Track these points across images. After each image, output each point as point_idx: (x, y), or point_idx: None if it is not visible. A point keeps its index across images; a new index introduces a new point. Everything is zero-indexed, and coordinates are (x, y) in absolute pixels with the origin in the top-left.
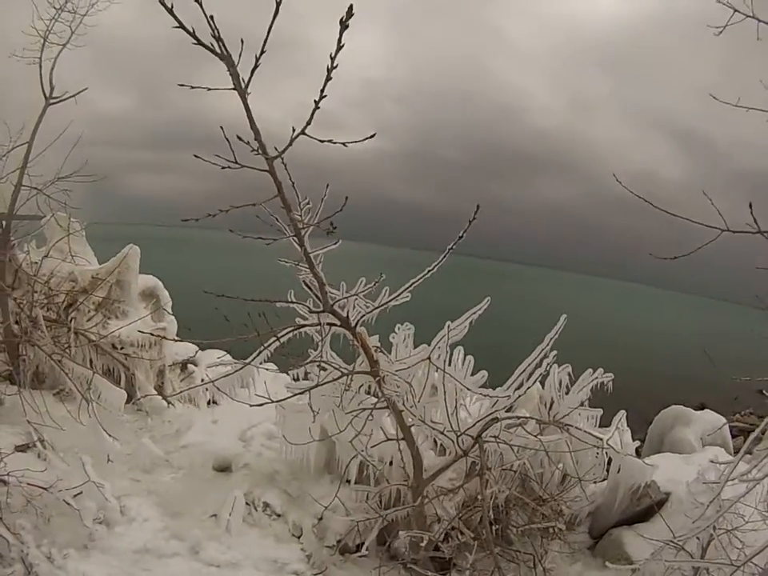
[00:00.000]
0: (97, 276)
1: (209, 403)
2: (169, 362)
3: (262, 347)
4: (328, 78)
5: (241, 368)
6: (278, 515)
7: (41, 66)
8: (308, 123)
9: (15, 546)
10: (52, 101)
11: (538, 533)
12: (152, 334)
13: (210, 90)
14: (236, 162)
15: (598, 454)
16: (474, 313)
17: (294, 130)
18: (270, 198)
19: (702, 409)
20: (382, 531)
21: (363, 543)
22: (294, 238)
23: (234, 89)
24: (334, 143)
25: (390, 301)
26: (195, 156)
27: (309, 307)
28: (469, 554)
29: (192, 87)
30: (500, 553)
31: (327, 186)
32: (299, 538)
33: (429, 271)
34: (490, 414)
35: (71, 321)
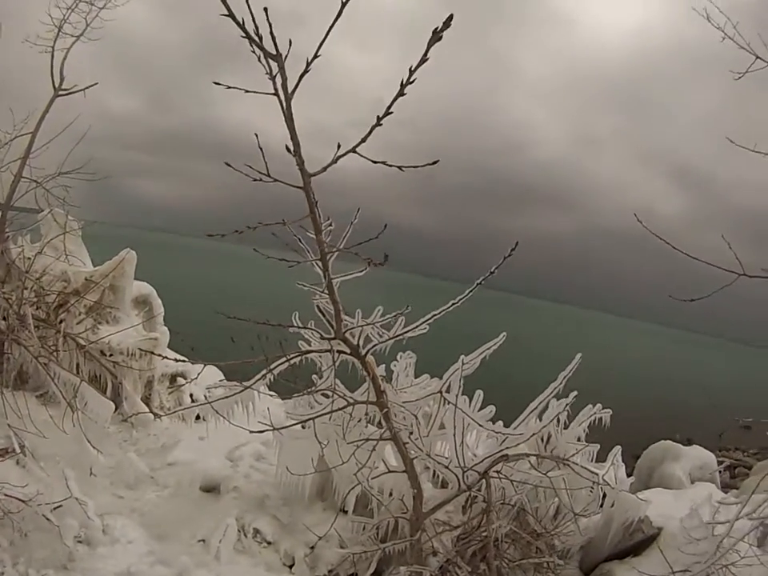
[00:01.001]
0: (90, 278)
1: (197, 418)
2: (158, 374)
3: (266, 371)
4: (400, 94)
5: (241, 391)
6: (269, 543)
7: (53, 56)
8: (362, 141)
9: None
10: (61, 92)
11: (531, 567)
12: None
13: (248, 92)
14: (268, 176)
15: (592, 489)
16: (489, 348)
17: (339, 147)
18: (302, 218)
19: (690, 444)
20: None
21: (356, 574)
22: (318, 262)
23: (274, 93)
24: (389, 165)
25: (407, 332)
26: (226, 164)
27: (321, 333)
28: None
29: (228, 87)
30: None
31: (358, 210)
32: (290, 567)
33: (453, 304)
34: (500, 451)
35: (61, 323)
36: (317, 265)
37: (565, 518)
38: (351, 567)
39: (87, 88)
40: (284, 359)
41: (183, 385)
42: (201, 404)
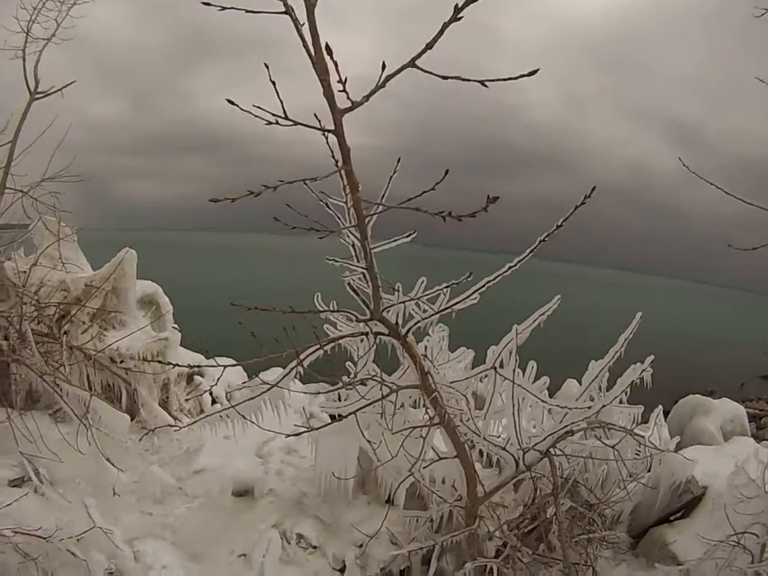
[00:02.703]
0: (91, 284)
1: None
2: (174, 375)
3: (295, 362)
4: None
5: (267, 390)
6: (315, 547)
7: (24, 60)
8: (419, 54)
9: None
10: (37, 95)
11: (584, 540)
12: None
13: (249, 12)
14: (285, 117)
15: (639, 452)
16: (543, 314)
17: (384, 66)
18: (333, 172)
19: (713, 397)
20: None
21: (409, 568)
22: (351, 230)
23: (284, 12)
24: (464, 80)
25: (456, 303)
26: (229, 101)
27: (356, 315)
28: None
29: (222, 8)
30: (549, 563)
31: (399, 159)
32: (341, 571)
33: (510, 267)
34: (564, 427)
35: (64, 335)
36: (350, 233)
37: (614, 485)
38: (404, 562)
39: (64, 87)
40: (314, 348)
41: (202, 388)
42: (224, 409)
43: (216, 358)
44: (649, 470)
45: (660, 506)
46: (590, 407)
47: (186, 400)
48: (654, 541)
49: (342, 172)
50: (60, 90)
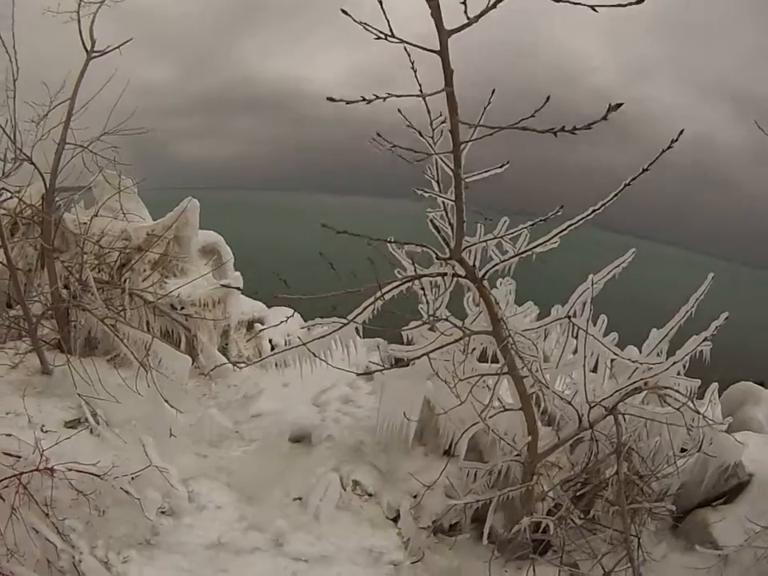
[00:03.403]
0: (152, 233)
1: (277, 365)
2: (234, 322)
3: (373, 299)
4: None
5: (342, 326)
6: (370, 495)
7: (79, 22)
8: None
9: (65, 551)
10: (94, 54)
11: (629, 512)
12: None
13: None
14: (392, 35)
15: (691, 428)
16: (618, 266)
17: None
18: (437, 91)
19: (762, 385)
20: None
21: (459, 523)
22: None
23: None
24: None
25: (535, 246)
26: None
27: (436, 253)
28: (569, 534)
29: None
30: (596, 529)
31: (493, 91)
32: (394, 520)
33: (594, 211)
34: (633, 383)
35: (125, 282)
36: (441, 160)
37: (664, 460)
38: (456, 516)
39: (121, 45)
40: (395, 284)
41: (260, 332)
42: (296, 346)
43: (275, 307)
44: (699, 450)
45: (705, 488)
46: (659, 363)
47: (247, 340)
48: (697, 523)
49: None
50: (117, 47)
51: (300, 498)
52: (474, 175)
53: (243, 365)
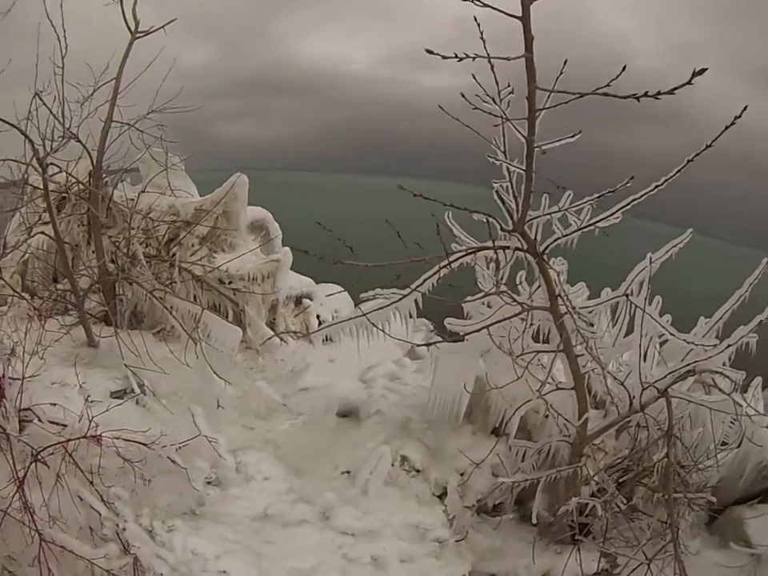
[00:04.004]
0: (201, 208)
1: (324, 340)
2: (283, 297)
3: (436, 268)
4: None
5: (404, 297)
6: (417, 471)
7: (122, 3)
8: None
9: (109, 519)
10: (138, 34)
11: (665, 502)
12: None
13: None
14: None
15: (734, 421)
16: (676, 245)
17: None
18: (519, 56)
19: None
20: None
21: (501, 503)
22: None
23: None
24: None
25: (598, 221)
26: None
27: (501, 224)
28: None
29: None
30: (633, 519)
31: (566, 61)
32: (440, 497)
33: (656, 186)
34: (687, 365)
35: (173, 256)
36: (513, 127)
37: (705, 454)
38: (501, 496)
39: (166, 25)
40: (462, 253)
41: (308, 307)
42: (356, 316)
43: (322, 284)
44: (739, 445)
45: (743, 485)
46: (714, 346)
47: (295, 315)
48: (732, 520)
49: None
50: (162, 27)
51: (348, 472)
52: (547, 143)
53: (300, 335)
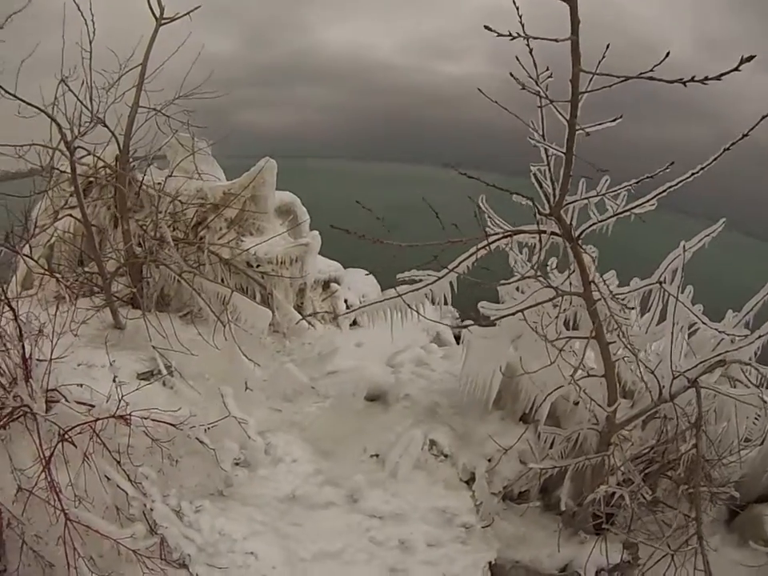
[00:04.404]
0: (229, 191)
1: (352, 324)
2: (311, 281)
3: (473, 250)
4: None
5: (438, 279)
6: (446, 456)
7: None
8: None
9: (136, 499)
10: (164, 21)
11: (689, 495)
12: None
13: None
14: None
15: (759, 417)
16: (708, 234)
17: None
18: (565, 38)
19: None
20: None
21: (527, 491)
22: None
23: None
24: None
25: (633, 207)
26: None
27: (538, 208)
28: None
29: None
30: (655, 512)
31: (607, 45)
32: (467, 483)
33: (693, 174)
34: (717, 355)
35: (201, 239)
36: (555, 109)
37: (728, 449)
38: (526, 484)
39: (190, 12)
40: (502, 235)
41: (336, 291)
42: (393, 297)
43: (350, 268)
44: (762, 442)
45: (765, 482)
46: (745, 336)
47: (323, 300)
48: (752, 518)
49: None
50: (187, 14)
51: (377, 455)
52: (589, 126)
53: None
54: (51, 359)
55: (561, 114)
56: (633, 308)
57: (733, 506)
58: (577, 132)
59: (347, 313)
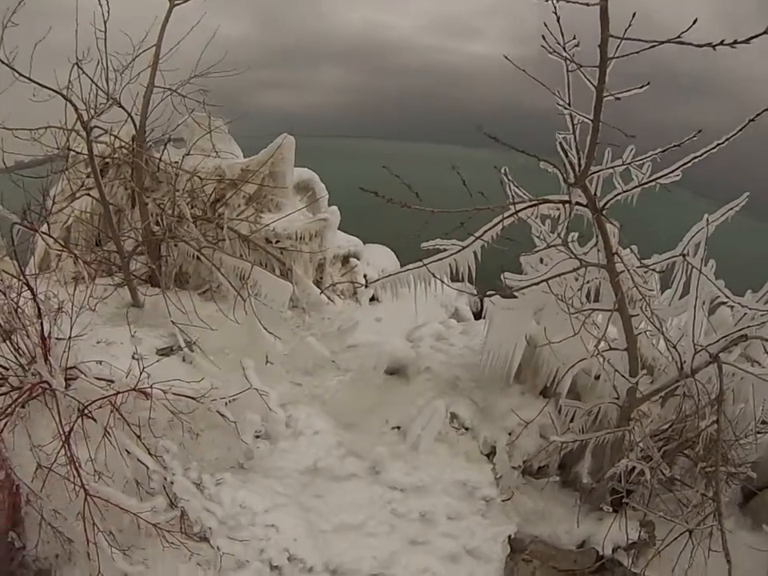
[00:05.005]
0: (247, 168)
1: (371, 300)
2: (330, 256)
3: (499, 219)
4: None
5: (460, 249)
6: (467, 429)
7: None
8: None
9: (157, 473)
10: (177, 2)
11: (707, 474)
12: None
13: None
14: None
15: None
16: (731, 209)
17: None
18: (594, 3)
19: None
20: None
21: (546, 466)
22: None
23: None
24: None
25: (658, 177)
26: None
27: (564, 176)
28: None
29: None
30: (673, 489)
31: (633, 14)
32: (488, 456)
33: (718, 144)
34: (740, 330)
35: (219, 216)
36: (583, 75)
37: (745, 430)
38: (546, 459)
39: None
40: (528, 204)
41: (355, 266)
42: (416, 267)
43: (369, 244)
44: None
45: None
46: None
47: (342, 275)
48: (766, 504)
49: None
50: None
51: (398, 428)
52: (617, 93)
53: (334, 303)
54: (70, 337)
55: (589, 80)
56: (662, 272)
57: (748, 489)
58: (605, 99)
59: (374, 281)
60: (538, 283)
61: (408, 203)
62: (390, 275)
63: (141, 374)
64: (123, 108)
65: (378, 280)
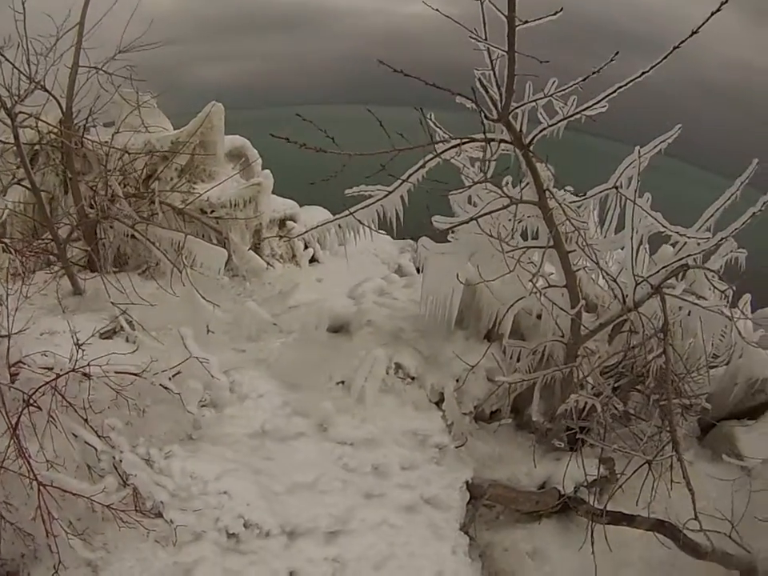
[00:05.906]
0: (177, 140)
1: (311, 261)
2: (266, 221)
3: (421, 163)
4: None
5: (386, 194)
6: (413, 378)
7: None
8: None
9: (105, 452)
10: None
11: (660, 406)
12: None
13: None
14: None
15: (724, 335)
16: (664, 141)
17: None
18: None
19: None
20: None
21: (498, 411)
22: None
23: None
24: None
25: (583, 109)
26: None
27: (484, 112)
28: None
29: None
30: (628, 425)
31: None
32: (437, 404)
33: (643, 73)
34: (680, 260)
35: (152, 192)
36: (492, 6)
37: (697, 364)
38: (497, 403)
39: None
40: (452, 144)
41: (292, 229)
42: (343, 215)
43: (306, 206)
44: (728, 362)
45: (733, 401)
46: (707, 239)
47: (280, 238)
48: (723, 434)
49: None
50: None
51: (343, 382)
52: (529, 21)
53: (274, 268)
54: (11, 333)
55: (499, 10)
56: (586, 197)
57: (706, 422)
58: (517, 27)
59: (298, 235)
60: (467, 221)
61: (323, 149)
62: (316, 226)
63: (76, 353)
64: (47, 91)
65: (305, 232)
